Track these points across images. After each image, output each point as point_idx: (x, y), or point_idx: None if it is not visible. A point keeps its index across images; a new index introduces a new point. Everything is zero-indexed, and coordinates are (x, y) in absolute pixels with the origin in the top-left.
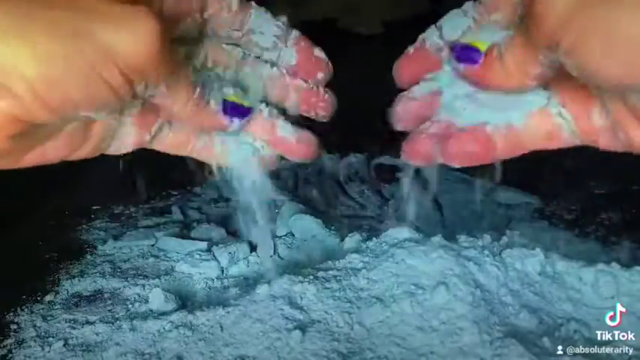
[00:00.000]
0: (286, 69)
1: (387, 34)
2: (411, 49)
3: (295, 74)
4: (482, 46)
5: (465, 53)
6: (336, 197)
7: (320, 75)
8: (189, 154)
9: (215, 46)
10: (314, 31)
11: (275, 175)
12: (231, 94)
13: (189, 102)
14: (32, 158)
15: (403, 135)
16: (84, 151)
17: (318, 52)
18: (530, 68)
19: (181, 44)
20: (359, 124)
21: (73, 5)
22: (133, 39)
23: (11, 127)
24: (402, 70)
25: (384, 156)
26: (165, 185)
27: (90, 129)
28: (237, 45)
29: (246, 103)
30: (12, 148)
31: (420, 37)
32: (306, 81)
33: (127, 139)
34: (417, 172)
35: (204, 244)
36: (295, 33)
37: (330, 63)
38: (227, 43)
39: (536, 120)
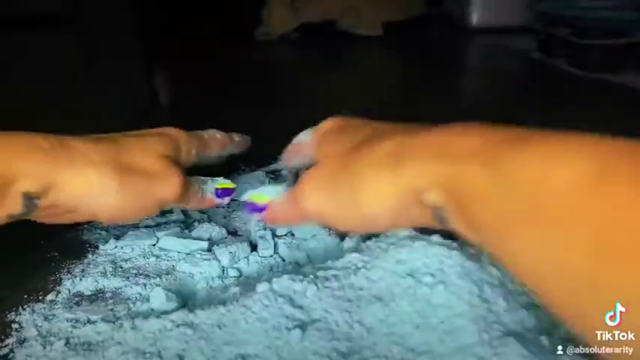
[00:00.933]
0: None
1: (386, 35)
2: None
3: None
4: (264, 200)
5: (251, 208)
6: None
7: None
8: None
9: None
10: (314, 32)
11: (275, 175)
12: (219, 182)
13: (196, 200)
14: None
15: None
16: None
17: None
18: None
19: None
20: None
21: (134, 170)
22: (169, 189)
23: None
24: None
25: None
26: None
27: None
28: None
29: (231, 186)
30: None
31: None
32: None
33: None
34: None
35: (205, 244)
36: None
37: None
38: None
39: None
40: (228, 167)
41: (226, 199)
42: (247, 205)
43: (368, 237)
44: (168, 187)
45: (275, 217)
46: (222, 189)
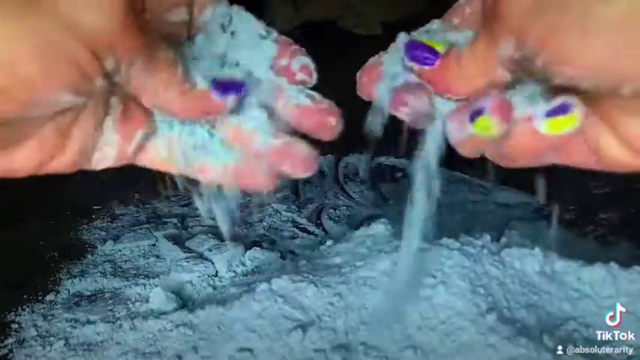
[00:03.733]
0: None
1: (386, 34)
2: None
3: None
4: (440, 47)
5: (418, 52)
6: (336, 197)
7: (300, 75)
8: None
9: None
10: (314, 31)
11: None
12: (222, 69)
13: (171, 83)
14: None
15: (403, 135)
16: (60, 163)
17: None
18: (490, 71)
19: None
20: (359, 124)
21: None
22: (95, 7)
23: None
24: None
25: (384, 156)
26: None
27: (66, 135)
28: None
29: (238, 75)
30: None
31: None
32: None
33: (108, 151)
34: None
35: (201, 250)
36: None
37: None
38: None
39: None
40: None
41: (230, 100)
42: (414, 49)
43: (367, 237)
44: None
45: (449, 76)
46: (223, 80)
